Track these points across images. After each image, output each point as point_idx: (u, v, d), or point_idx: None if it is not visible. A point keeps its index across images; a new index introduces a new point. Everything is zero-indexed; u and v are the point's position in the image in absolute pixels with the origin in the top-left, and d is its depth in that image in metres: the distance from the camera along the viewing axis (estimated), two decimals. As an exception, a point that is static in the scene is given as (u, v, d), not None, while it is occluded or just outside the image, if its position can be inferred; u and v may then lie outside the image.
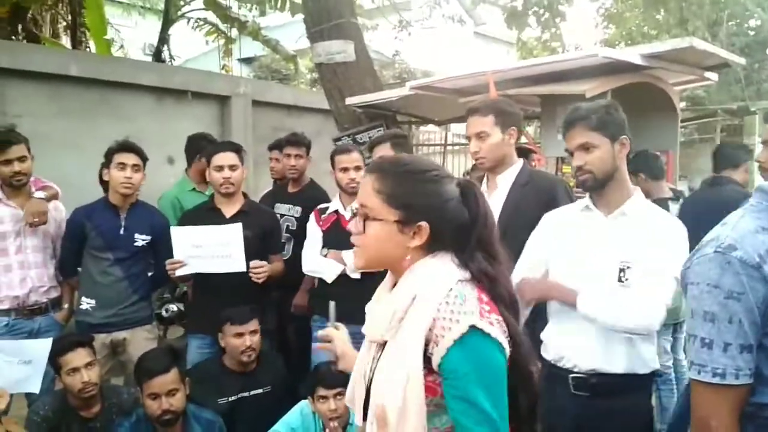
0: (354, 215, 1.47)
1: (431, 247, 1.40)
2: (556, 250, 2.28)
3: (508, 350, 1.33)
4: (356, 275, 3.12)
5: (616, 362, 2.12)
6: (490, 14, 12.37)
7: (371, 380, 1.42)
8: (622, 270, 2.12)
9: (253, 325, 3.14)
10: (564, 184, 2.80)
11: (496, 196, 2.74)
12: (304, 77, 14.19)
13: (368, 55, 5.62)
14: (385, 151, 3.32)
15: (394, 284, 1.44)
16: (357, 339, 1.66)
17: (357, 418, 1.50)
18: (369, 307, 1.51)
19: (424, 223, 1.37)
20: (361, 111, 5.30)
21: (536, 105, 4.70)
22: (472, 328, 1.28)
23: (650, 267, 2.07)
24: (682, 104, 5.57)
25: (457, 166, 8.70)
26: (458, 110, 4.81)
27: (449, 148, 8.79)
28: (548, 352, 2.27)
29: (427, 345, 1.30)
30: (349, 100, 5.15)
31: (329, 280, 3.26)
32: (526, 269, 2.32)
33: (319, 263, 3.36)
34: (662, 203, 3.56)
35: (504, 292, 1.40)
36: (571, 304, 2.14)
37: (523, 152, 2.91)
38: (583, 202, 2.28)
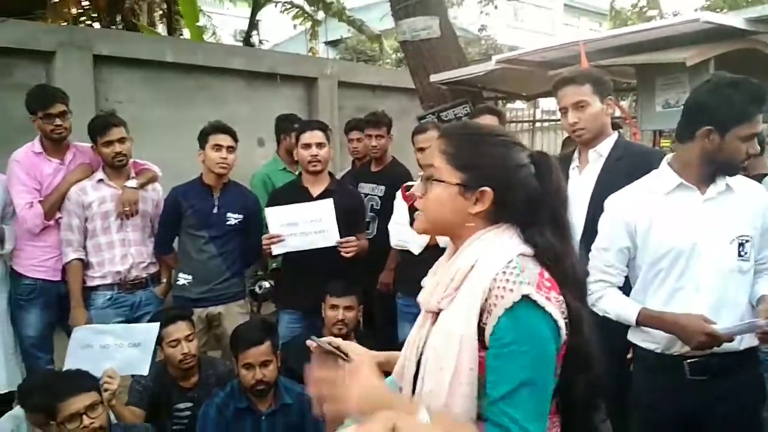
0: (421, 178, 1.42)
1: (495, 216, 1.33)
2: (648, 236, 2.13)
3: (564, 331, 1.25)
4: (417, 250, 3.18)
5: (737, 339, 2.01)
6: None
7: (422, 352, 1.36)
8: (741, 245, 2.04)
9: (348, 301, 3.21)
10: (662, 157, 2.65)
11: (588, 172, 2.63)
12: (389, 57, 14.20)
13: (453, 31, 5.52)
14: (488, 122, 3.28)
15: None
16: None
17: (404, 392, 1.44)
18: (425, 280, 1.47)
19: (487, 189, 1.30)
20: (445, 88, 5.22)
21: (631, 77, 4.47)
22: (525, 298, 1.21)
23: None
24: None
25: (547, 144, 8.45)
26: (547, 84, 4.63)
27: (538, 124, 8.55)
28: (653, 341, 2.14)
29: (481, 316, 1.25)
30: (434, 77, 5.08)
31: (416, 252, 3.24)
32: (614, 260, 2.20)
33: (405, 234, 3.35)
34: (759, 179, 3.31)
35: (570, 273, 1.31)
36: None
37: (613, 126, 2.78)
38: (671, 181, 2.11)
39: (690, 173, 2.09)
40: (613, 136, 2.63)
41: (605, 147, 2.61)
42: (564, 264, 1.31)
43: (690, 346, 2.00)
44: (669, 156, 2.22)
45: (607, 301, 2.18)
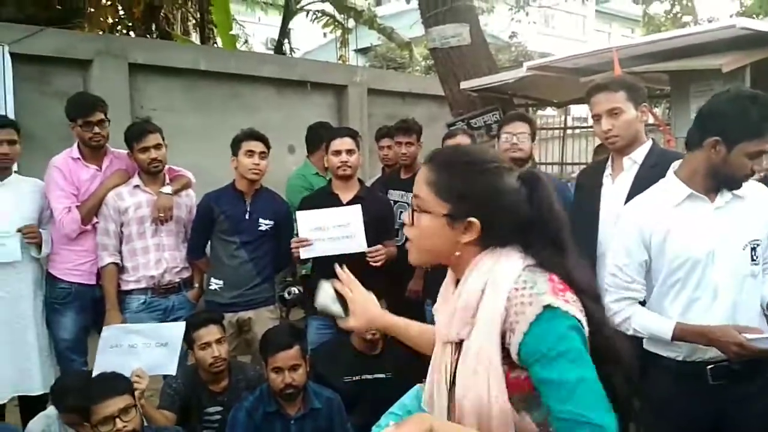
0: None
1: (486, 242, 1.32)
2: (663, 247, 2.10)
3: (586, 329, 1.26)
4: None
5: None
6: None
7: (453, 383, 1.35)
8: (753, 249, 2.05)
9: (381, 304, 3.19)
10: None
11: (622, 179, 2.60)
12: (418, 64, 14.23)
13: (484, 38, 5.52)
14: (518, 130, 3.26)
15: (456, 282, 1.38)
16: None
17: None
18: (436, 308, 1.46)
19: (474, 220, 1.29)
20: (476, 95, 5.22)
21: (664, 83, 4.42)
22: (547, 307, 1.21)
23: None
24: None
25: (578, 151, 8.37)
26: (578, 91, 4.60)
27: (569, 131, 8.48)
28: (675, 349, 2.12)
29: (503, 337, 1.24)
30: (464, 84, 5.08)
31: None
32: (635, 275, 2.15)
33: None
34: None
35: (581, 282, 1.31)
36: None
37: None
38: (680, 191, 2.09)
39: (697, 182, 2.08)
40: (648, 143, 2.60)
41: (639, 154, 2.57)
42: (571, 275, 1.30)
43: (729, 357, 1.98)
44: (676, 163, 2.20)
45: (637, 319, 2.14)
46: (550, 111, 8.72)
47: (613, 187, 2.62)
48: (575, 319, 1.23)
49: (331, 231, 3.30)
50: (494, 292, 1.26)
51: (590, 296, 1.32)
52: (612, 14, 27.07)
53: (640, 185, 2.50)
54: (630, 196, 2.49)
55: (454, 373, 1.34)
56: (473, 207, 1.30)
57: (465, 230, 1.31)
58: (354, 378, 3.21)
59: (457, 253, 1.33)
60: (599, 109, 2.58)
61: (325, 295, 1.74)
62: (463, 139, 3.38)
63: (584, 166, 3.63)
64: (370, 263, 3.30)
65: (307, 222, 3.33)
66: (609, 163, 2.70)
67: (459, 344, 1.34)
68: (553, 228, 1.32)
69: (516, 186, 1.32)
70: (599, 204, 2.65)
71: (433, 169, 1.36)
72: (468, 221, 1.30)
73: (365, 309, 1.69)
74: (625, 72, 3.53)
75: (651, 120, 3.35)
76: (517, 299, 1.23)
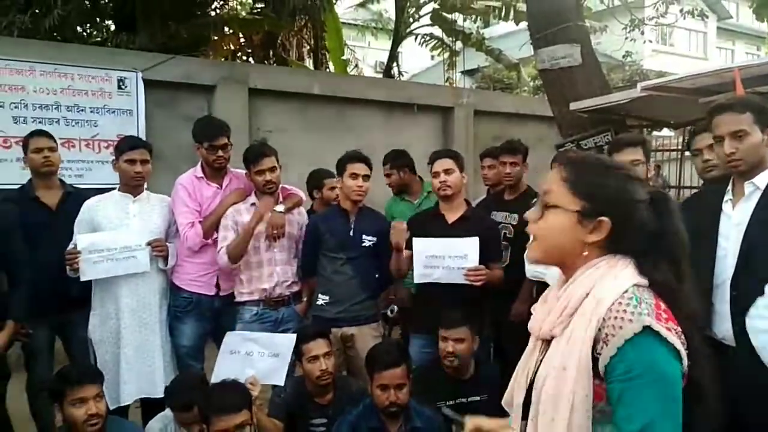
0: (534, 203, 1.42)
1: (610, 248, 1.32)
2: None
3: (685, 360, 1.22)
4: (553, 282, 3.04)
5: None
6: (736, 5, 11.12)
7: (533, 379, 1.35)
8: None
9: (460, 333, 3.16)
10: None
11: (743, 205, 2.46)
12: (527, 85, 14.07)
13: (596, 58, 5.39)
14: (633, 155, 3.15)
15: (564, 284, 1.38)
16: None
17: (514, 419, 1.43)
18: (535, 307, 1.47)
19: (605, 219, 1.29)
20: (586, 116, 5.10)
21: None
22: (647, 329, 1.19)
23: None
24: None
25: (696, 174, 7.95)
26: (697, 112, 4.40)
27: (687, 153, 8.07)
28: None
29: (595, 345, 1.22)
30: (574, 105, 4.98)
31: (552, 283, 3.16)
32: None
33: (541, 265, 3.28)
34: None
35: (684, 308, 1.28)
36: None
37: None
38: None
39: None
40: (772, 168, 2.45)
41: (763, 179, 2.42)
42: (680, 302, 1.28)
43: None
44: None
45: None
46: (666, 132, 8.34)
47: (734, 213, 2.49)
48: (675, 349, 1.21)
49: (447, 261, 3.33)
50: (598, 298, 1.26)
51: (693, 326, 1.28)
52: (735, 31, 25.52)
53: (763, 212, 2.37)
54: (751, 224, 2.35)
55: (536, 370, 1.35)
56: (606, 206, 1.31)
57: (593, 230, 1.32)
58: (448, 403, 3.19)
59: (585, 253, 1.33)
60: (722, 131, 2.45)
61: None
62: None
63: (699, 189, 3.45)
64: (470, 282, 3.28)
65: (423, 249, 3.38)
66: (729, 187, 2.57)
67: (548, 343, 1.35)
68: (675, 250, 1.32)
69: (646, 198, 1.33)
70: (717, 230, 2.52)
71: (568, 166, 1.37)
72: (599, 220, 1.31)
73: None
74: (748, 92, 3.34)
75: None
76: (618, 313, 1.22)
